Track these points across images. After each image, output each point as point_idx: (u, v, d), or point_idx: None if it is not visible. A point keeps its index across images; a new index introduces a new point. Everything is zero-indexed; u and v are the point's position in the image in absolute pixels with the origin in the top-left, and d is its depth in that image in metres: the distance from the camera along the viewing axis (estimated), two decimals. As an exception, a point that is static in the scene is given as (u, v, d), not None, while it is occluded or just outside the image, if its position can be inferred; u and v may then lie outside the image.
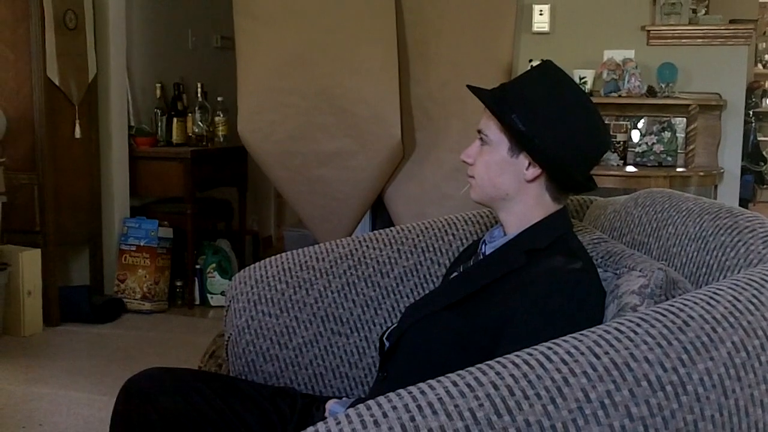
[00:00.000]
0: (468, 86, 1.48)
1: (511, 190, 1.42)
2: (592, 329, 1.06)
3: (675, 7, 3.47)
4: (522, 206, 1.43)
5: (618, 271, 1.42)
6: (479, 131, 1.45)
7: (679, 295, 1.29)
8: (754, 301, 1.11)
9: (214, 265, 4.18)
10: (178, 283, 4.16)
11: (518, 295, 1.31)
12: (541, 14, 3.63)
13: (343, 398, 1.60)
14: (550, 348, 1.02)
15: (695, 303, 1.10)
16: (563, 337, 1.05)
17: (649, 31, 3.52)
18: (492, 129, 1.41)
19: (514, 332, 1.27)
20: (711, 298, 1.11)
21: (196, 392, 1.45)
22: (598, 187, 1.51)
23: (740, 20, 3.71)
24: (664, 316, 1.07)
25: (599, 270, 1.44)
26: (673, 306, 1.09)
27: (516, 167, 1.40)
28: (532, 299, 1.29)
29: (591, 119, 1.42)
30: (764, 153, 8.61)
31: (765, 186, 8.76)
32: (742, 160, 3.66)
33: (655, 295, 1.29)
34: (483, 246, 1.51)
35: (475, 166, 1.45)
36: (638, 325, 1.05)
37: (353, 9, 3.57)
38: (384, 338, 1.52)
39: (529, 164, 1.39)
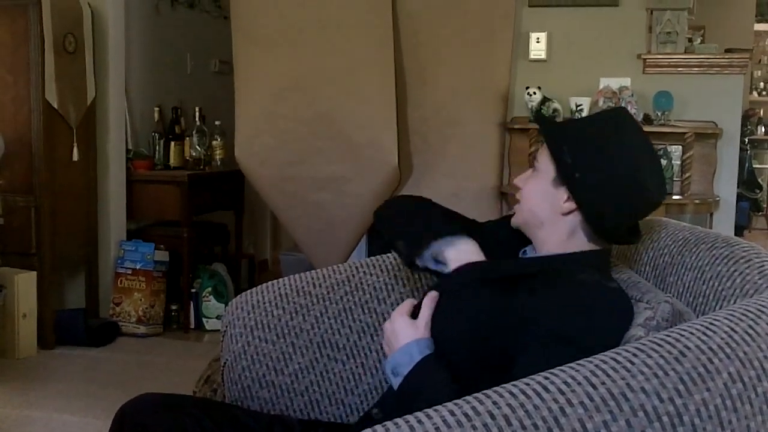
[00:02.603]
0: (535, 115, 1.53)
1: (546, 219, 1.44)
2: (589, 359, 1.06)
3: (671, 36, 3.50)
4: (555, 237, 1.44)
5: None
6: (534, 158, 1.48)
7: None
8: (750, 332, 1.11)
9: (209, 289, 4.17)
10: (174, 307, 4.15)
11: (551, 291, 1.33)
12: (537, 42, 3.66)
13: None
14: (546, 378, 1.02)
15: (692, 333, 1.10)
16: (560, 367, 1.05)
17: (645, 59, 3.55)
18: (543, 157, 1.44)
19: (537, 330, 1.28)
20: (707, 328, 1.11)
21: (191, 419, 1.44)
22: (638, 240, 1.52)
23: (736, 49, 3.73)
24: (660, 346, 1.07)
25: None
26: (669, 336, 1.10)
27: (555, 198, 1.42)
28: (564, 300, 1.31)
29: (643, 173, 1.40)
30: (759, 180, 8.65)
31: (760, 213, 8.79)
32: (738, 187, 3.67)
33: (660, 327, 1.27)
34: (522, 254, 1.54)
35: (522, 191, 1.49)
36: (635, 355, 1.05)
37: (351, 35, 3.60)
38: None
39: (567, 198, 1.40)
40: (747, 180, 8.33)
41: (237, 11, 3.72)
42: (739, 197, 4.96)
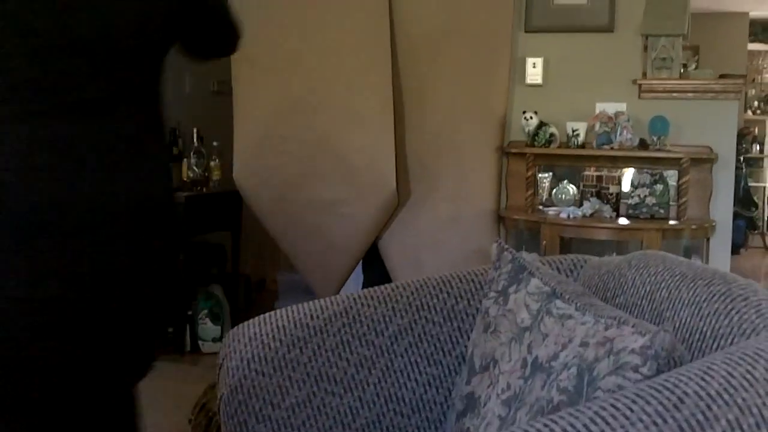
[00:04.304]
0: None
1: None
2: (588, 405, 1.06)
3: (666, 61, 3.52)
4: None
5: (605, 321, 1.39)
6: None
7: (677, 357, 1.27)
8: (748, 377, 1.11)
9: (206, 311, 4.16)
10: (170, 329, 4.14)
11: None
12: (534, 67, 3.67)
13: None
14: (546, 425, 1.02)
15: (689, 379, 1.10)
16: (559, 413, 1.05)
17: (640, 84, 3.57)
18: None
19: None
20: (705, 373, 1.11)
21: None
22: None
23: (730, 75, 3.76)
24: (659, 392, 1.07)
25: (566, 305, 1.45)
26: (667, 382, 1.10)
27: None
28: None
29: None
30: (755, 198, 8.69)
31: (756, 231, 8.82)
32: (734, 205, 3.69)
33: (659, 357, 1.24)
34: None
35: None
36: (634, 401, 1.05)
37: (351, 59, 3.62)
38: None
39: None
40: (743, 198, 8.37)
41: (236, 34, 3.73)
42: (735, 215, 4.99)
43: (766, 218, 8.88)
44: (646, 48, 3.60)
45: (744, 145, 8.58)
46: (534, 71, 3.67)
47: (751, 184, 8.78)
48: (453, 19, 3.62)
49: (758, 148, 8.93)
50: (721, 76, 3.68)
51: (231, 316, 4.28)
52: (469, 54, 3.61)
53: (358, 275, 4.07)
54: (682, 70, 3.64)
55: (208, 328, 4.15)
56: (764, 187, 8.93)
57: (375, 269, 3.83)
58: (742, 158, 8.28)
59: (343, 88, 3.64)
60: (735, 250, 7.26)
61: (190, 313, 4.14)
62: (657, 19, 3.53)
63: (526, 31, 3.69)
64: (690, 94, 3.55)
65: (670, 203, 3.43)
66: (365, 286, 3.70)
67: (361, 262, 3.90)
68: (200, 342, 4.14)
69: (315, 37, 3.67)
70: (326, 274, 3.80)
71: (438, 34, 3.65)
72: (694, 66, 3.99)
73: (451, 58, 3.63)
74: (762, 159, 8.93)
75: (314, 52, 3.66)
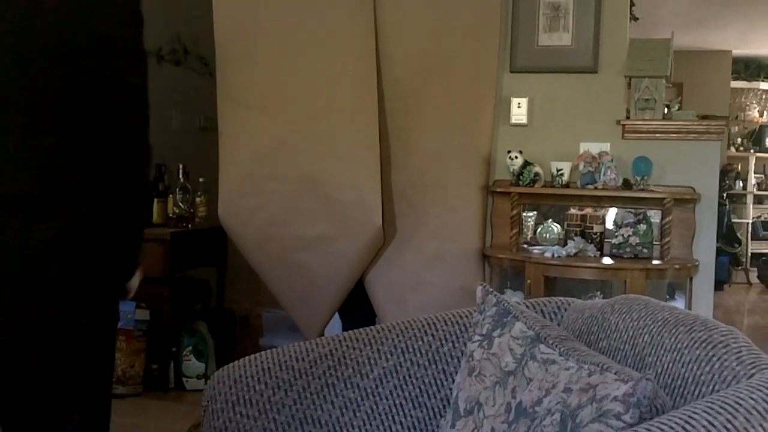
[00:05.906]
0: None
1: None
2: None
3: (649, 102, 3.56)
4: None
5: (588, 367, 1.41)
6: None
7: (659, 404, 1.28)
8: (729, 426, 1.12)
9: (190, 347, 4.14)
10: (154, 366, 4.10)
11: None
12: (519, 107, 3.72)
13: None
14: (528, 477, 1.03)
15: (671, 428, 1.11)
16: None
17: (624, 125, 3.61)
18: None
19: None
20: (686, 422, 1.12)
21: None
22: None
23: (712, 116, 3.81)
24: (641, 441, 1.08)
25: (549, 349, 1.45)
26: (649, 431, 1.11)
27: None
28: None
29: None
30: (738, 234, 8.77)
31: (740, 267, 8.88)
32: (717, 241, 3.71)
33: (641, 405, 1.26)
34: None
35: None
36: (615, 452, 1.06)
37: (337, 97, 3.65)
38: None
39: None
40: (726, 235, 8.44)
41: (222, 73, 3.76)
42: (719, 252, 5.02)
43: (749, 254, 8.95)
44: (630, 87, 3.65)
45: (727, 182, 8.68)
46: (519, 111, 3.71)
47: (735, 220, 8.86)
48: (439, 58, 3.67)
49: (741, 184, 9.01)
50: (704, 117, 3.74)
51: (216, 353, 4.25)
52: (454, 93, 3.65)
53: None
54: (665, 111, 3.69)
55: (192, 364, 4.12)
56: (747, 224, 9.01)
57: (361, 312, 3.83)
58: (725, 195, 8.37)
59: (329, 126, 3.66)
60: (719, 286, 7.30)
61: (174, 349, 4.11)
62: (640, 61, 3.59)
63: (511, 72, 3.74)
64: (673, 135, 3.59)
65: (654, 243, 3.45)
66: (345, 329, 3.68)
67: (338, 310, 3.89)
68: (184, 379, 4.10)
69: (301, 77, 3.69)
70: (311, 311, 3.80)
71: (424, 74, 3.69)
72: (677, 106, 4.04)
73: (437, 97, 3.67)
74: (745, 195, 9.01)
75: (300, 91, 3.69)
